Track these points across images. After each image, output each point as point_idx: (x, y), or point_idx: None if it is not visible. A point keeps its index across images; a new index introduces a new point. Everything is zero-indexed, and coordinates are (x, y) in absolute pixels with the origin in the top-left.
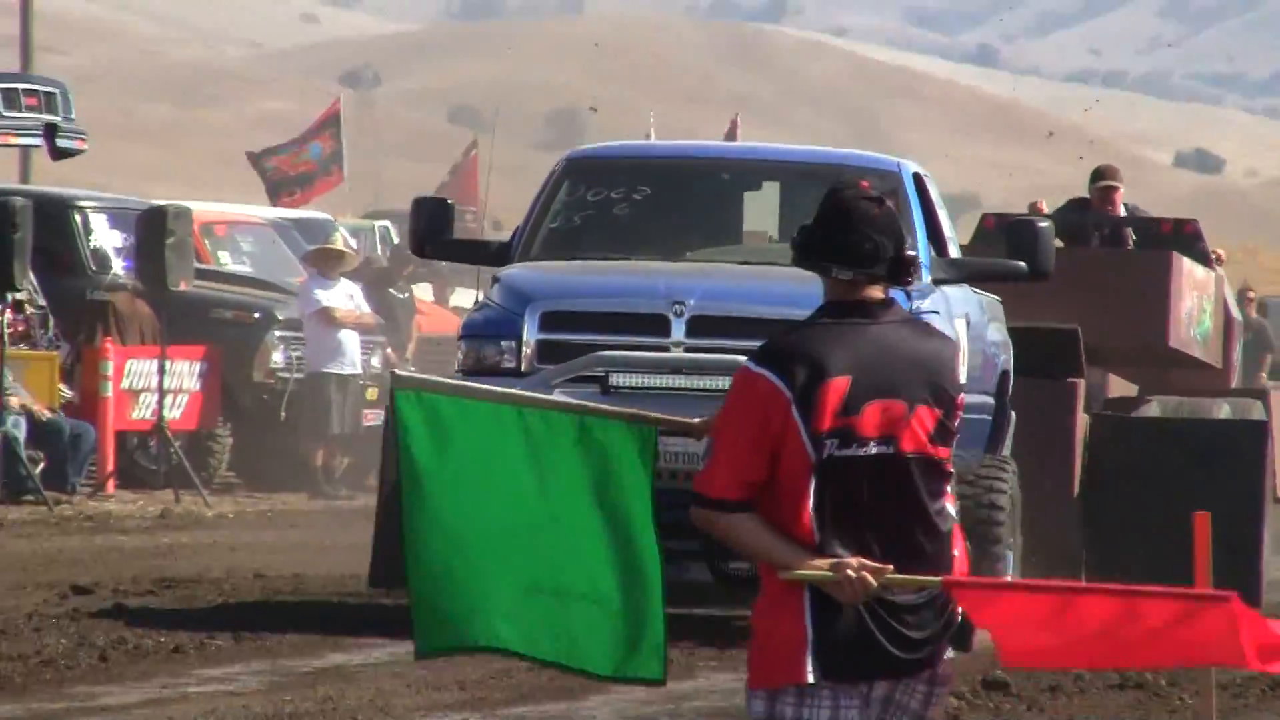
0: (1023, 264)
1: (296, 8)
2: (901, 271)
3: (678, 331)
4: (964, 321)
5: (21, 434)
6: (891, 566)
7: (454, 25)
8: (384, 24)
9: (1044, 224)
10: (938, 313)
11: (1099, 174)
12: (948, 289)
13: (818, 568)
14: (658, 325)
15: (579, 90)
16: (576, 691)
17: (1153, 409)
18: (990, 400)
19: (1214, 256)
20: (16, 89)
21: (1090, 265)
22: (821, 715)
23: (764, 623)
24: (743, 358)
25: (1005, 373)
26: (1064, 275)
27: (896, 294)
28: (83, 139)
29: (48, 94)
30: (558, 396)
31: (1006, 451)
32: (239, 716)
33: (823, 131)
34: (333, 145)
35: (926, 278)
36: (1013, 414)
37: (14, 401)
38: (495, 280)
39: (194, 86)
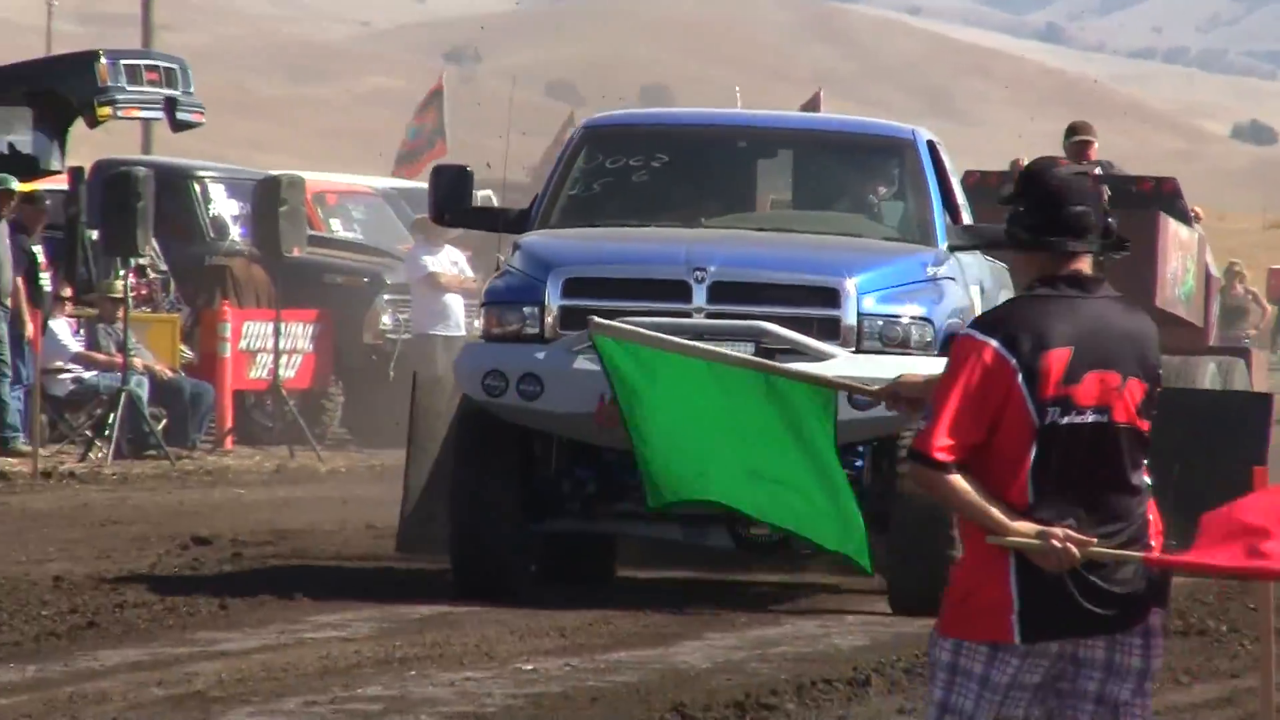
0: None
1: None
2: (1111, 242)
3: (699, 298)
4: (978, 289)
5: (145, 393)
6: (1095, 540)
7: (551, 4)
8: (485, 3)
9: None
10: (954, 279)
11: (1073, 129)
12: (963, 256)
13: (1025, 534)
14: (679, 291)
15: (669, 66)
16: (670, 638)
17: None
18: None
19: (1193, 214)
20: (139, 65)
21: None
22: (1007, 671)
23: (966, 578)
24: (764, 323)
25: None
26: None
27: (918, 259)
28: (201, 112)
29: (168, 70)
30: (742, 354)
31: None
32: (350, 660)
33: (899, 106)
34: (435, 120)
35: (943, 244)
36: None
37: (137, 362)
38: (516, 247)
39: (305, 63)
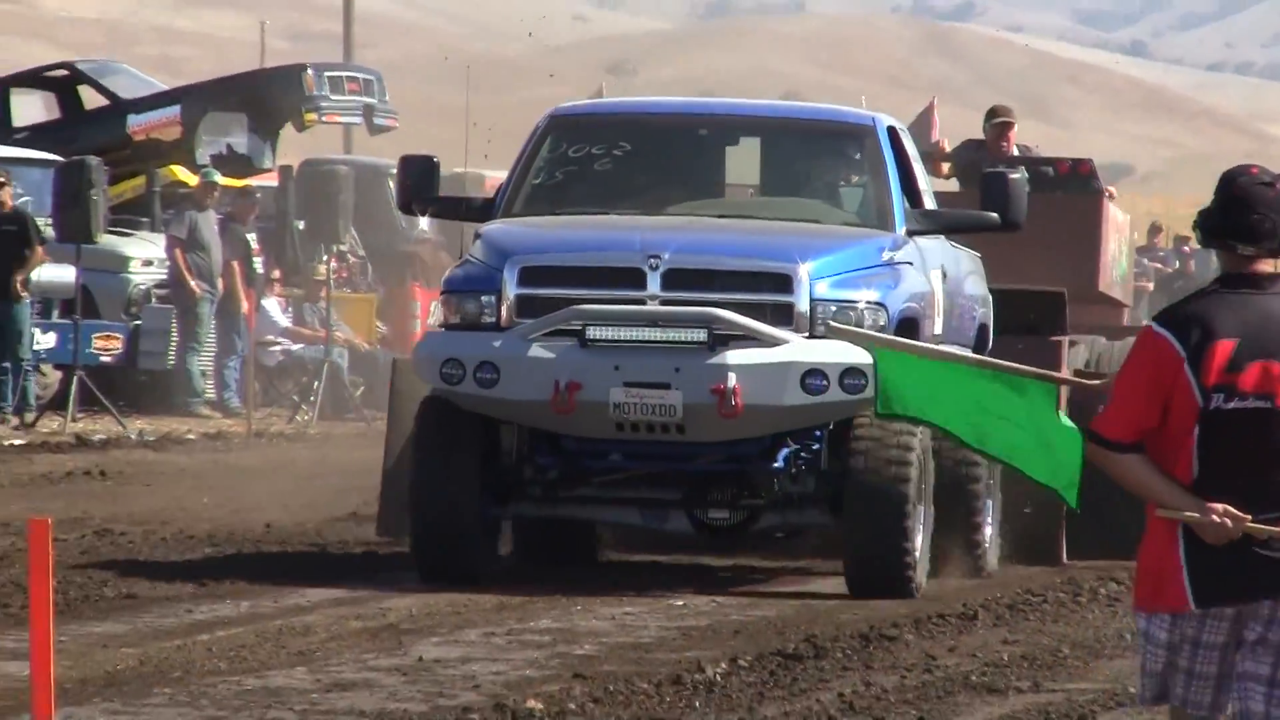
0: (995, 216)
1: (569, 8)
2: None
3: (653, 285)
4: (939, 274)
5: (345, 363)
6: (1249, 517)
7: (699, 23)
8: (642, 22)
9: (1015, 175)
10: (911, 263)
11: (993, 113)
12: (923, 241)
13: (1190, 507)
14: (633, 278)
15: (802, 76)
16: (804, 579)
17: (1081, 351)
18: (968, 353)
19: (1106, 194)
20: (340, 76)
21: None
22: (1187, 635)
23: (1146, 553)
24: (715, 309)
25: (984, 326)
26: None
27: (874, 244)
28: (394, 118)
29: (365, 81)
30: (972, 355)
31: None
32: (524, 597)
33: None
34: None
35: (901, 229)
36: None
37: (339, 336)
38: (476, 236)
39: (483, 75)
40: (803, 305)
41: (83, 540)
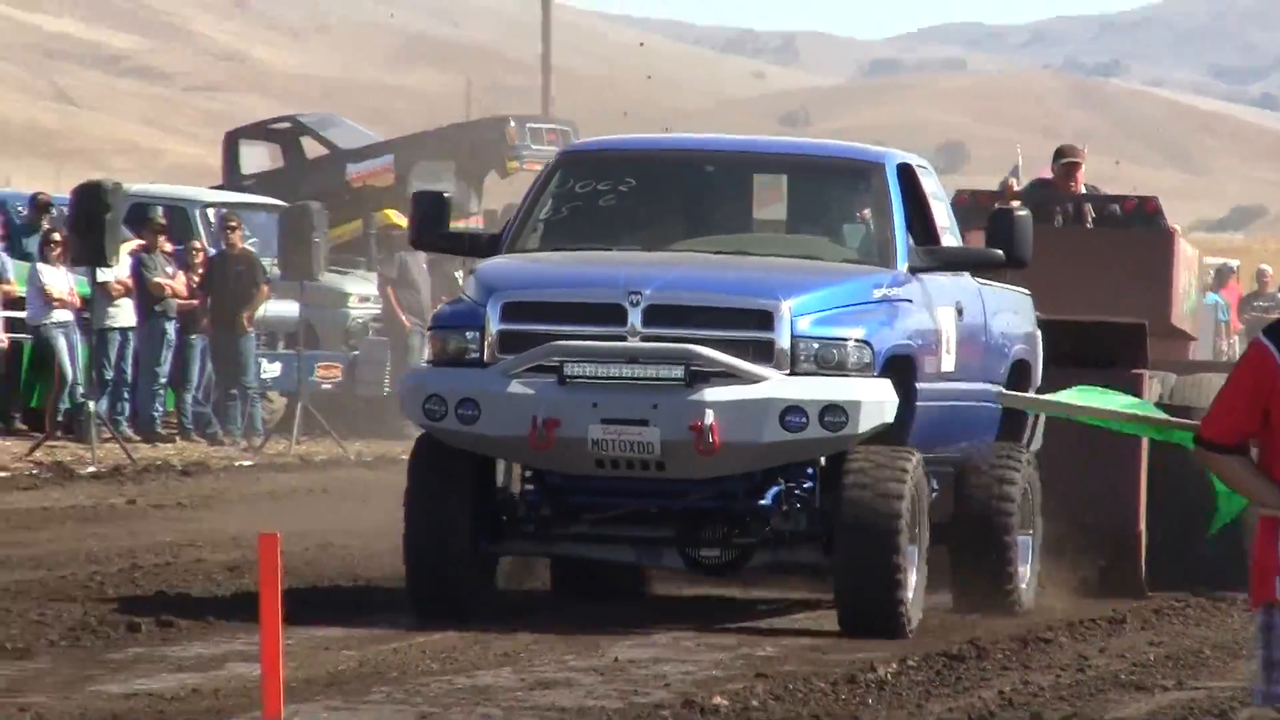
0: (1000, 252)
1: (748, 66)
2: None
3: (634, 321)
4: (952, 310)
5: None
6: None
7: (866, 79)
8: (815, 78)
9: (1022, 213)
10: (911, 300)
11: (1060, 153)
12: (933, 277)
13: None
14: (614, 315)
15: (961, 127)
16: None
17: (1155, 386)
18: (1001, 388)
19: (1174, 232)
20: (540, 128)
21: (1092, 244)
22: None
23: (1256, 550)
24: (693, 346)
25: (1023, 363)
26: (1064, 254)
27: (877, 278)
28: None
29: (562, 130)
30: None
31: (1035, 442)
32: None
33: (1147, 159)
34: None
35: (903, 266)
36: None
37: None
38: (470, 272)
39: (670, 126)
40: (783, 342)
41: (306, 553)
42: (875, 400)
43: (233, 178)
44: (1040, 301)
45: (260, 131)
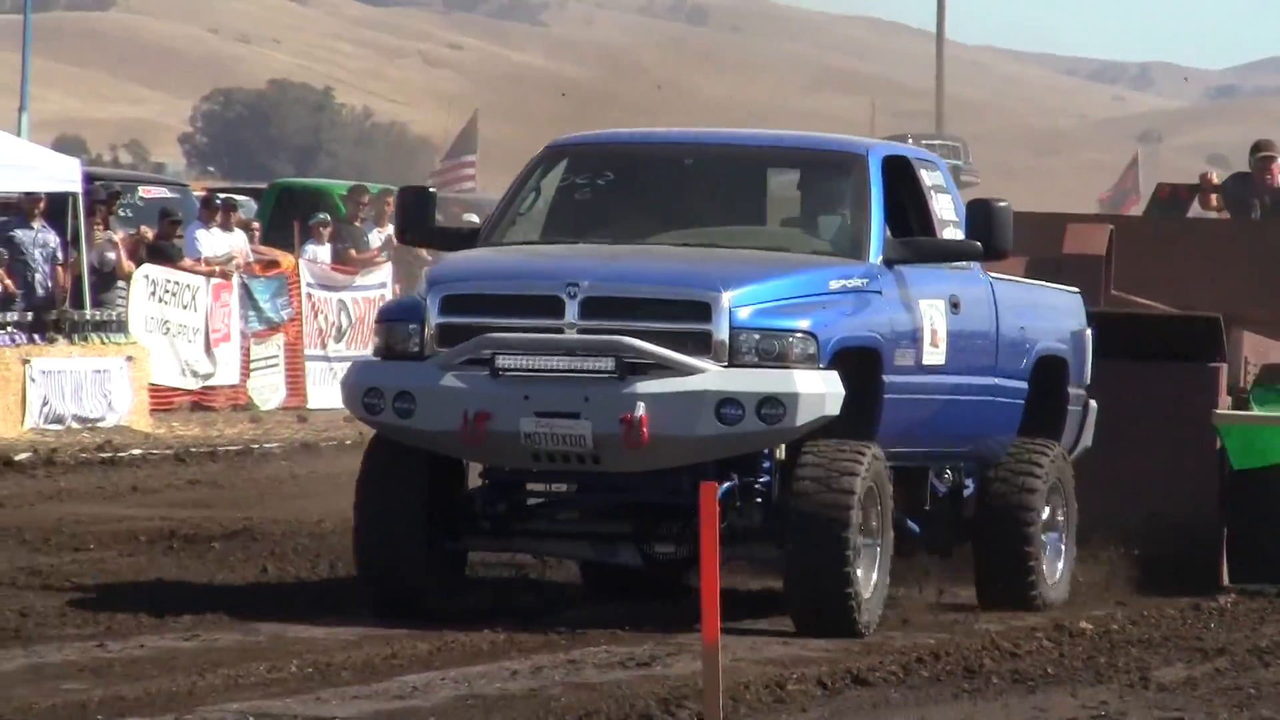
0: (978, 244)
1: (1110, 91)
2: None
3: (571, 313)
4: (942, 303)
5: None
6: None
7: (1210, 102)
8: (1166, 101)
9: (1001, 204)
10: (879, 293)
11: (1257, 147)
12: (918, 269)
13: None
14: (552, 307)
15: None
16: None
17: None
18: (1021, 385)
19: None
20: (935, 144)
21: (1261, 235)
22: None
23: None
24: (625, 338)
25: (1055, 359)
26: (1263, 246)
27: (836, 270)
28: (975, 176)
29: (953, 146)
30: None
31: (1084, 439)
32: None
33: None
34: (1133, 181)
35: (876, 258)
36: (1091, 403)
37: None
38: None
39: (1042, 144)
40: (721, 334)
41: None
42: (815, 392)
43: None
44: (1238, 294)
45: None
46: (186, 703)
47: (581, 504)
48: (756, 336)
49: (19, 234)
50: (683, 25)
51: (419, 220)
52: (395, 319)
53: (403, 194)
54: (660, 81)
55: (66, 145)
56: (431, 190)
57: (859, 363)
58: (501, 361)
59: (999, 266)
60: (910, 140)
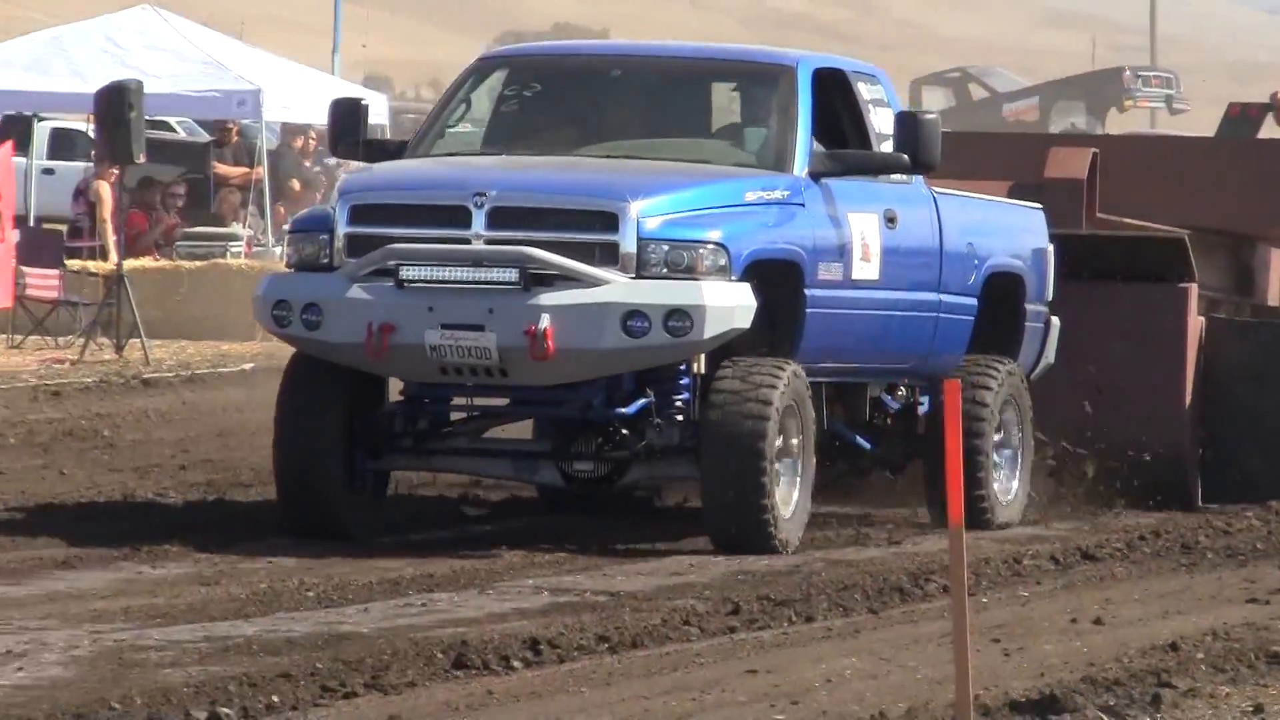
0: (905, 157)
1: None
2: None
3: (478, 223)
4: (875, 217)
5: None
6: None
7: None
8: None
9: (929, 116)
10: (803, 205)
11: None
12: (850, 183)
13: None
14: (458, 217)
15: None
16: None
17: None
18: (969, 300)
19: None
20: (1149, 74)
21: None
22: None
23: None
24: (529, 248)
25: (1008, 275)
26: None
27: (755, 181)
28: (1186, 105)
29: (1166, 78)
30: None
31: (1045, 356)
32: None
33: None
34: None
35: (801, 171)
36: (1054, 320)
37: None
38: None
39: (1254, 75)
40: (629, 245)
41: None
42: (724, 305)
43: None
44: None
45: (937, 79)
46: (488, 578)
47: (500, 420)
48: (665, 248)
49: (329, 162)
50: None
51: (350, 133)
52: (306, 229)
53: (335, 106)
54: (903, 21)
55: (374, 83)
56: (365, 103)
57: (778, 276)
58: (407, 272)
59: (971, 186)
60: (1127, 72)
